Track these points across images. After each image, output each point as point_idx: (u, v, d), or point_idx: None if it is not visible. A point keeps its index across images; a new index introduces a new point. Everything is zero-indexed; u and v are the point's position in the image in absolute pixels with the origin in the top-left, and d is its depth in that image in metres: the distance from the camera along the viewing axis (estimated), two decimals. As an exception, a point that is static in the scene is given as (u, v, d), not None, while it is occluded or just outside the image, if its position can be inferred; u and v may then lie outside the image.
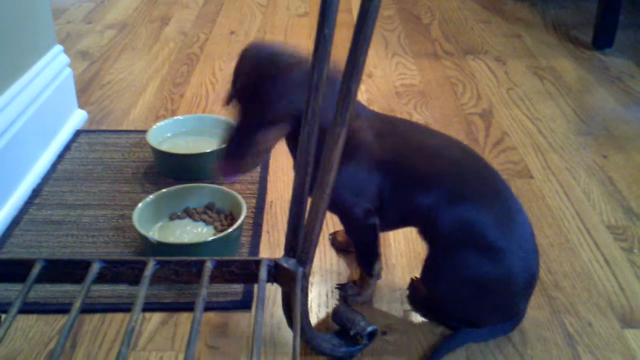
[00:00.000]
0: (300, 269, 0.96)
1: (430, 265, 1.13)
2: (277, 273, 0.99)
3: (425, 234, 1.13)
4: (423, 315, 1.19)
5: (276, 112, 1.03)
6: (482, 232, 1.06)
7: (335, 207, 1.12)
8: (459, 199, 1.08)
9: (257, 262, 0.98)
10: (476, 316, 1.12)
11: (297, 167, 0.94)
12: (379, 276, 1.21)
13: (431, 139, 1.16)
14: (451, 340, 1.11)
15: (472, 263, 1.07)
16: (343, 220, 1.18)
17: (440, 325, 1.17)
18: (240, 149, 1.04)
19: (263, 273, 0.97)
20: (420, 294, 1.22)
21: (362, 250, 1.20)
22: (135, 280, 0.98)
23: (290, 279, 0.97)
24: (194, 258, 0.98)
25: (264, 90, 1.02)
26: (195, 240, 1.31)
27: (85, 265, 0.97)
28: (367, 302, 1.21)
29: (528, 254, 1.09)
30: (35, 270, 0.96)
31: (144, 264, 0.97)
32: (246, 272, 0.99)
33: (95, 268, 0.97)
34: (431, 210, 1.09)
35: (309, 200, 0.95)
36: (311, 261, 0.97)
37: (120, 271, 0.98)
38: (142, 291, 0.92)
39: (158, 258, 0.98)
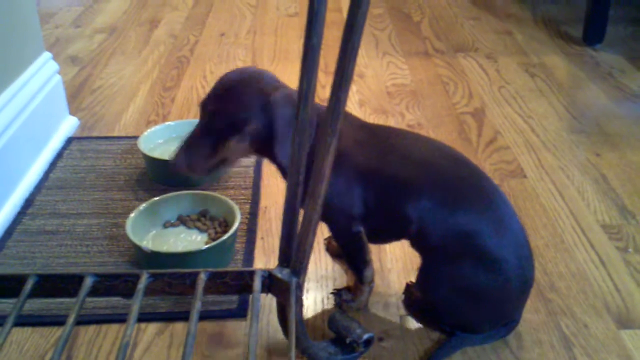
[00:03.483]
0: (295, 279, 0.96)
1: (425, 273, 1.12)
2: (271, 283, 0.98)
3: (416, 244, 1.13)
4: (418, 320, 1.19)
5: (231, 124, 1.07)
6: (478, 243, 1.05)
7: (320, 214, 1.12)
8: (450, 209, 1.07)
9: (251, 273, 0.98)
10: (472, 323, 1.12)
11: (288, 177, 0.93)
12: (371, 283, 1.21)
13: (416, 145, 1.14)
14: (447, 345, 1.11)
15: (469, 273, 1.06)
16: (329, 227, 1.18)
17: (435, 330, 1.16)
18: (197, 151, 1.08)
19: (257, 284, 0.96)
20: (415, 299, 1.21)
21: (350, 257, 1.20)
22: (128, 294, 0.97)
23: (285, 289, 0.96)
24: (187, 270, 0.98)
25: (223, 102, 1.08)
26: (189, 249, 1.31)
27: (78, 279, 0.96)
28: (362, 308, 1.21)
29: (523, 260, 1.08)
30: (28, 285, 0.95)
31: (137, 277, 0.97)
32: (240, 283, 0.99)
33: (88, 282, 0.96)
34: (421, 220, 1.08)
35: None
36: (305, 271, 0.97)
37: (114, 285, 0.98)
38: (136, 305, 0.91)
39: (151, 271, 0.97)
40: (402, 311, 1.21)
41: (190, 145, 1.09)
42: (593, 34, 2.39)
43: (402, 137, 1.16)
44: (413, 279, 1.20)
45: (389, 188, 1.10)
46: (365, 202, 1.11)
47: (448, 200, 1.07)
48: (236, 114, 1.07)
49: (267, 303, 1.21)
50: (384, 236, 1.19)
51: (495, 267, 1.05)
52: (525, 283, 1.09)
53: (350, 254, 1.19)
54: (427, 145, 1.15)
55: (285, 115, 1.05)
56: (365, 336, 1.05)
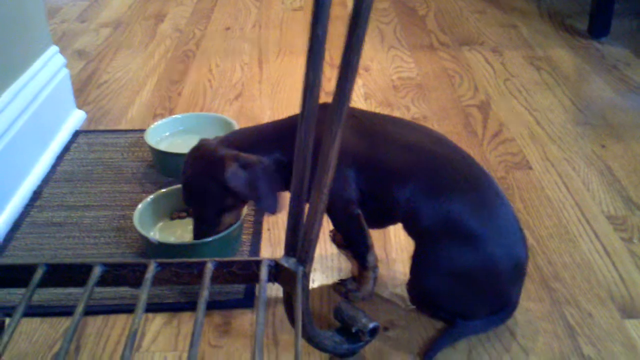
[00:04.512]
0: (301, 269, 0.97)
1: (416, 258, 1.14)
2: (277, 273, 0.99)
3: (408, 229, 1.15)
4: (420, 310, 1.19)
5: (209, 208, 1.23)
6: (459, 221, 1.07)
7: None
8: (435, 191, 1.09)
9: (258, 263, 0.99)
10: (466, 306, 1.13)
11: (294, 167, 0.94)
12: (375, 269, 1.22)
13: (404, 131, 1.17)
14: (447, 334, 1.12)
15: (454, 253, 1.08)
16: (327, 213, 1.19)
17: (437, 319, 1.17)
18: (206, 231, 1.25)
19: (264, 273, 0.97)
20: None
21: (351, 242, 1.22)
22: (136, 283, 0.98)
23: (291, 279, 0.97)
24: (194, 260, 0.98)
25: (195, 200, 1.22)
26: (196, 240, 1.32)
27: (87, 269, 0.97)
28: (368, 297, 1.22)
29: (511, 239, 1.09)
30: (38, 275, 0.96)
31: (145, 267, 0.98)
32: (247, 273, 0.99)
33: (96, 271, 0.97)
34: (409, 204, 1.10)
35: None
36: (311, 260, 0.97)
37: (122, 274, 0.98)
38: (144, 294, 0.92)
39: (159, 260, 0.98)
40: (408, 301, 1.22)
41: (198, 232, 1.25)
42: (598, 27, 2.39)
43: (389, 123, 1.19)
44: (417, 269, 1.20)
45: (378, 173, 1.13)
46: (358, 185, 1.14)
47: (433, 183, 1.10)
48: (212, 204, 1.21)
49: (273, 293, 1.22)
50: (380, 220, 1.21)
51: (478, 244, 1.07)
52: (516, 261, 1.10)
53: (352, 237, 1.20)
54: (414, 130, 1.18)
55: (241, 180, 1.15)
56: (371, 325, 1.05)
